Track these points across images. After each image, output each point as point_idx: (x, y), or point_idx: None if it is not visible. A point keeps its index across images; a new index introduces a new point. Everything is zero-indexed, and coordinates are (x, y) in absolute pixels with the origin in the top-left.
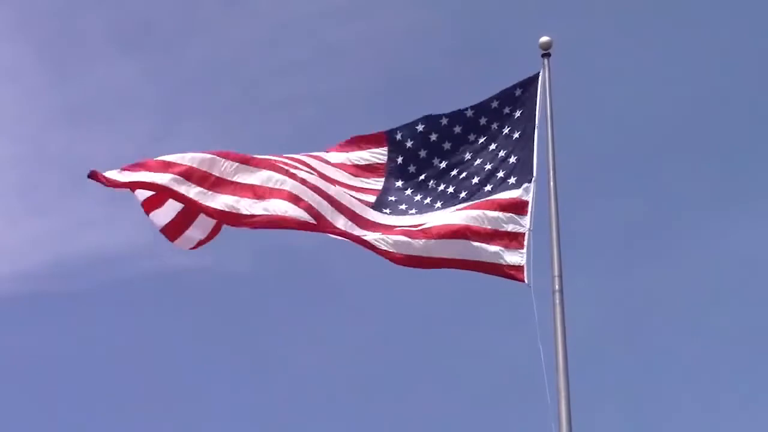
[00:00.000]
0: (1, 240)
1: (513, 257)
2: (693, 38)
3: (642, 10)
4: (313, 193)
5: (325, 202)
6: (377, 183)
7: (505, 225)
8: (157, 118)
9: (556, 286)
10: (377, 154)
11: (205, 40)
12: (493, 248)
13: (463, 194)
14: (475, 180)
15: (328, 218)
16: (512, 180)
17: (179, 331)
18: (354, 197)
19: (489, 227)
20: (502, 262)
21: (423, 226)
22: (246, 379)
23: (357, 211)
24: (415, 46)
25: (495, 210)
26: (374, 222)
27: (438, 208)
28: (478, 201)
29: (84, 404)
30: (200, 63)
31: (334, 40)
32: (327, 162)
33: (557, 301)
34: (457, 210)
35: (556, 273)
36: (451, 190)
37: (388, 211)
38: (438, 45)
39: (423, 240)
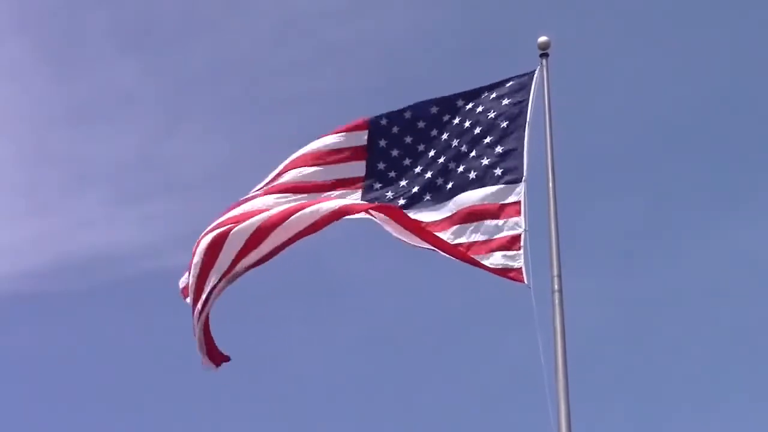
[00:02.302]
0: (2, 239)
1: (511, 261)
2: (694, 37)
3: (642, 9)
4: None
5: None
6: (359, 169)
7: (500, 232)
8: (158, 118)
9: (556, 286)
10: (356, 138)
11: (206, 39)
12: (490, 256)
13: (449, 185)
14: (461, 168)
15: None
16: (498, 171)
17: (179, 330)
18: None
19: (484, 238)
20: (500, 266)
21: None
22: (247, 379)
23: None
24: (415, 46)
25: (488, 219)
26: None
27: (428, 201)
28: (470, 206)
29: (84, 404)
30: (202, 62)
31: (334, 40)
32: (306, 164)
33: (557, 301)
34: (450, 216)
35: (556, 273)
36: (439, 181)
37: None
38: (438, 44)
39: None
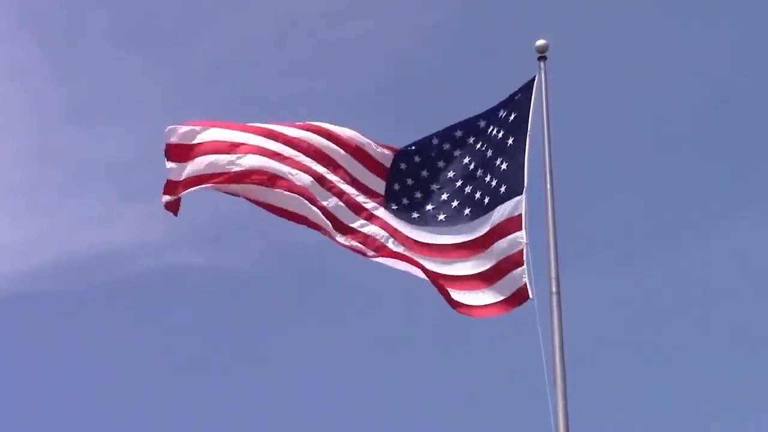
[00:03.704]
0: (4, 239)
1: (515, 281)
2: (693, 37)
3: (640, 10)
4: (328, 193)
5: (341, 204)
6: (380, 186)
7: (504, 252)
8: (159, 117)
9: (554, 288)
10: (383, 156)
11: (206, 38)
12: (495, 287)
13: (467, 211)
14: (477, 193)
15: (343, 221)
16: (503, 189)
17: (181, 329)
18: (366, 189)
19: (494, 262)
20: (505, 294)
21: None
22: (248, 379)
23: (369, 210)
24: (415, 46)
25: (496, 241)
26: (390, 226)
27: (441, 222)
28: (480, 234)
29: (85, 404)
30: (203, 61)
31: (335, 40)
32: (339, 143)
33: (554, 303)
34: (465, 243)
35: (553, 275)
36: (455, 203)
37: (395, 207)
38: (439, 45)
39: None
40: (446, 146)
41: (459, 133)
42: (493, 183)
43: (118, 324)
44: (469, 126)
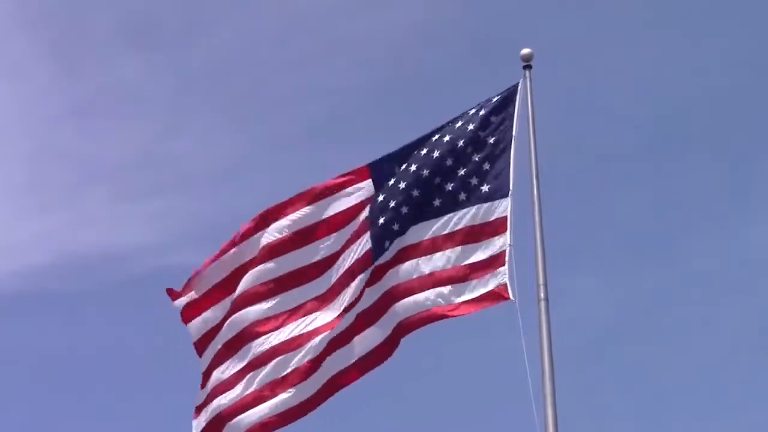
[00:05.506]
0: (7, 237)
1: (495, 279)
2: (695, 36)
3: (642, 10)
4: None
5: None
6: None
7: (488, 251)
8: (164, 115)
9: (542, 295)
10: (361, 191)
11: (213, 35)
12: (473, 282)
13: (437, 202)
14: (449, 187)
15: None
16: (485, 188)
17: (181, 329)
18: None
19: (477, 259)
20: (484, 290)
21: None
22: None
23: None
24: (421, 43)
25: (477, 239)
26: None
27: (417, 217)
28: (455, 229)
29: (87, 403)
30: (208, 59)
31: (341, 35)
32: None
33: (542, 310)
34: (439, 237)
35: (541, 282)
36: (430, 199)
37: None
38: (446, 40)
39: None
40: (423, 150)
41: (435, 137)
42: (474, 181)
43: (121, 322)
44: (447, 128)
